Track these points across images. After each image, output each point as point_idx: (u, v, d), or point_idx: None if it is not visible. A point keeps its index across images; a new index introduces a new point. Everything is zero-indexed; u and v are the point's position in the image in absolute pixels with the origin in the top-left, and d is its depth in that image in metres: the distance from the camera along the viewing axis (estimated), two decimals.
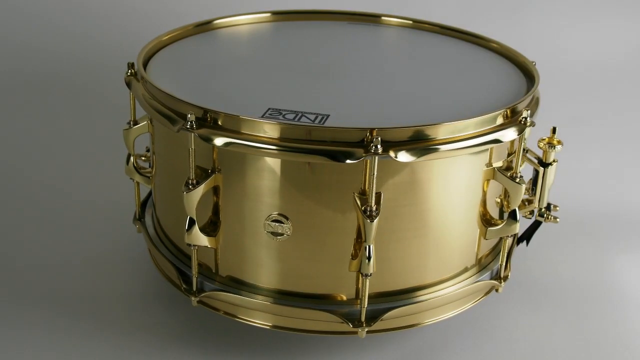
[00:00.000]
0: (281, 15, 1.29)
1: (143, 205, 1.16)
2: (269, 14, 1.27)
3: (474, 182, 0.96)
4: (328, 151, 0.84)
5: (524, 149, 1.05)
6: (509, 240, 1.05)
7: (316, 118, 0.90)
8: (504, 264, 1.03)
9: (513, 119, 0.94)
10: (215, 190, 0.93)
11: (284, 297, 0.95)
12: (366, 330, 0.93)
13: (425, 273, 0.97)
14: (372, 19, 1.32)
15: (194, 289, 0.98)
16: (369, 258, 0.88)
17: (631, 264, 1.27)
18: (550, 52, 1.78)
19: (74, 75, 1.65)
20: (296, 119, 0.89)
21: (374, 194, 0.86)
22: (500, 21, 1.78)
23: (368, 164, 0.85)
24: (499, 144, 0.92)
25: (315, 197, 0.89)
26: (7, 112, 1.59)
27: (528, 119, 0.93)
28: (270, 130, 0.86)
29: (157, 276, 1.07)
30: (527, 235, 1.13)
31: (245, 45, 1.18)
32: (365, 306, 0.92)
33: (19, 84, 1.64)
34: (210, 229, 0.95)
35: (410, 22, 1.31)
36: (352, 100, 0.99)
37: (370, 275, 0.90)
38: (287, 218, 0.90)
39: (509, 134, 0.92)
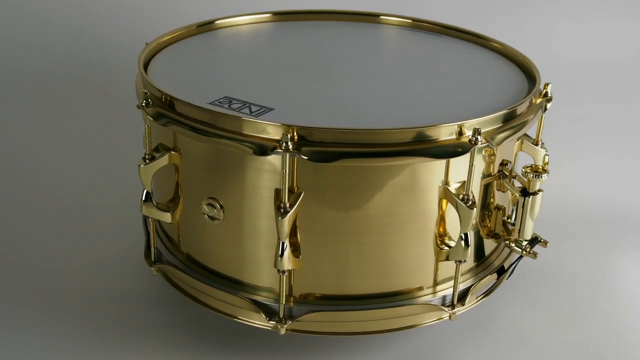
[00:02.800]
0: (281, 16, 1.30)
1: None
2: (269, 15, 1.28)
3: (429, 198, 0.91)
4: (245, 141, 0.85)
5: (501, 173, 0.97)
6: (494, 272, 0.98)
7: (258, 110, 0.91)
8: (457, 291, 0.96)
9: (466, 135, 0.88)
10: (177, 169, 0.97)
11: (225, 282, 0.98)
12: (285, 327, 0.93)
13: (368, 282, 0.94)
14: (372, 18, 1.30)
15: (152, 258, 1.04)
16: (281, 255, 0.88)
17: (631, 263, 1.26)
18: (551, 52, 1.77)
19: (75, 75, 1.65)
20: (239, 109, 0.91)
21: (286, 191, 0.86)
22: (500, 21, 1.77)
23: (282, 160, 0.85)
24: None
25: (247, 187, 0.90)
26: (8, 113, 1.58)
27: (479, 138, 0.86)
28: (200, 115, 0.89)
29: (158, 277, 1.07)
30: (508, 268, 1.04)
31: (244, 44, 1.20)
32: (284, 302, 0.92)
33: (19, 85, 1.63)
34: (171, 205, 1.00)
35: (410, 21, 1.29)
36: (326, 98, 0.98)
37: (285, 272, 0.90)
38: (219, 203, 0.93)
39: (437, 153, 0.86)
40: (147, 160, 0.96)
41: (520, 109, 0.95)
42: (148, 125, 0.95)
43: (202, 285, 0.98)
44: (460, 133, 0.87)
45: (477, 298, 1.02)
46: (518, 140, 1.04)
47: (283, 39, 1.21)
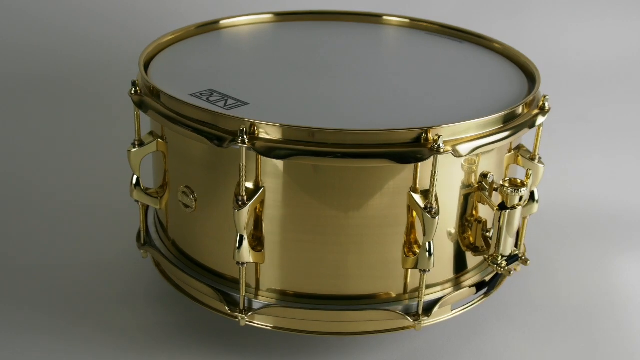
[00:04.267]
0: (282, 16, 1.30)
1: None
2: (270, 15, 1.29)
3: (399, 204, 0.90)
4: (205, 133, 0.88)
5: (480, 184, 0.94)
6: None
7: (233, 104, 0.93)
8: (421, 301, 0.94)
9: (428, 142, 0.85)
10: (165, 157, 1.01)
11: (199, 269, 1.00)
12: (245, 319, 0.94)
13: (334, 283, 0.94)
14: (373, 18, 1.29)
15: (142, 241, 1.08)
16: (238, 247, 0.89)
17: (631, 264, 1.26)
18: (551, 52, 1.76)
19: (75, 76, 1.65)
20: (215, 101, 0.94)
21: (244, 185, 0.87)
22: (500, 21, 1.76)
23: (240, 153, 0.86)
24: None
25: (215, 178, 0.92)
26: (9, 114, 1.58)
27: (441, 145, 0.84)
28: (173, 104, 0.92)
29: (158, 277, 1.09)
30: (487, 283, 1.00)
31: (243, 43, 1.21)
32: (244, 294, 0.94)
33: (19, 86, 1.62)
34: (160, 191, 1.03)
35: (410, 21, 1.29)
36: (313, 96, 0.99)
37: (244, 264, 0.91)
38: (193, 192, 0.95)
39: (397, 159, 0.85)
40: (136, 146, 1.00)
41: (502, 120, 0.92)
42: (137, 113, 0.99)
43: (175, 270, 1.01)
44: (427, 139, 0.85)
45: (452, 310, 0.99)
46: (511, 152, 1.00)
47: (282, 38, 1.22)
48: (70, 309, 1.10)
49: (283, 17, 1.30)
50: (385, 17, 1.30)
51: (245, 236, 0.89)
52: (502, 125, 0.92)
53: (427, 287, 0.96)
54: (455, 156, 0.86)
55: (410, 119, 0.91)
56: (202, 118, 0.89)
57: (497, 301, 1.12)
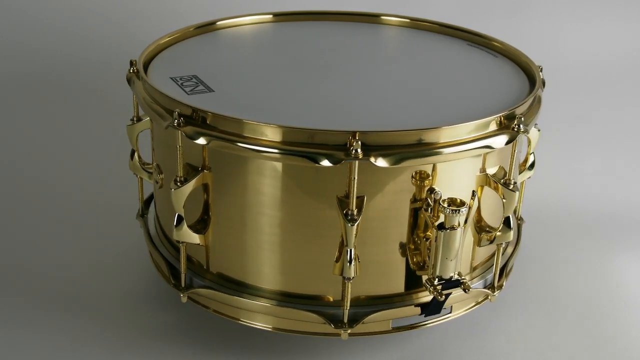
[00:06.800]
0: (281, 17, 1.28)
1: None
2: (269, 15, 1.27)
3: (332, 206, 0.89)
4: (155, 111, 0.93)
5: (427, 200, 0.89)
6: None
7: (201, 90, 0.98)
8: (346, 310, 0.91)
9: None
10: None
11: (166, 243, 1.07)
12: (186, 296, 0.99)
13: (270, 277, 0.95)
14: (372, 18, 1.27)
15: (140, 213, 1.16)
16: (176, 226, 0.93)
17: (631, 264, 1.26)
18: (550, 52, 1.75)
19: (75, 76, 1.63)
20: (186, 86, 0.99)
21: (181, 166, 0.91)
22: (499, 21, 1.74)
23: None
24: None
25: (173, 158, 0.95)
26: (8, 113, 1.57)
27: (358, 151, 0.81)
28: (145, 85, 0.98)
29: (158, 277, 1.08)
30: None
31: (241, 42, 1.21)
32: (185, 272, 0.98)
33: (19, 85, 1.61)
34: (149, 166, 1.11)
35: (410, 21, 1.27)
36: (292, 92, 1.00)
37: (183, 243, 0.95)
38: (161, 170, 1.01)
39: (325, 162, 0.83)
40: (134, 122, 1.08)
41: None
42: (134, 95, 1.07)
43: (149, 242, 1.09)
44: (351, 144, 0.83)
45: (393, 327, 0.96)
46: (483, 172, 0.93)
47: (281, 38, 1.22)
48: (70, 309, 1.10)
49: (283, 17, 1.29)
50: (384, 17, 1.28)
51: (184, 216, 0.93)
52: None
53: (374, 297, 0.94)
54: (376, 165, 0.83)
55: (395, 121, 0.90)
56: (159, 99, 0.94)
57: (497, 301, 1.08)
